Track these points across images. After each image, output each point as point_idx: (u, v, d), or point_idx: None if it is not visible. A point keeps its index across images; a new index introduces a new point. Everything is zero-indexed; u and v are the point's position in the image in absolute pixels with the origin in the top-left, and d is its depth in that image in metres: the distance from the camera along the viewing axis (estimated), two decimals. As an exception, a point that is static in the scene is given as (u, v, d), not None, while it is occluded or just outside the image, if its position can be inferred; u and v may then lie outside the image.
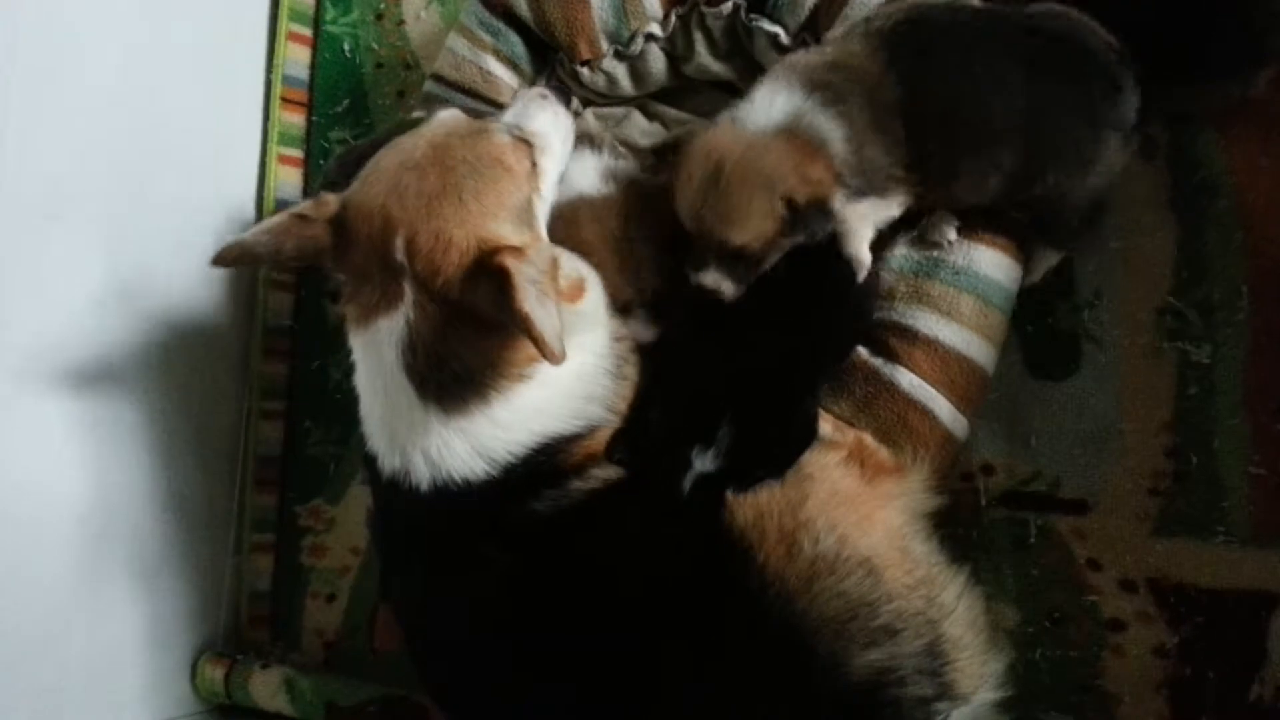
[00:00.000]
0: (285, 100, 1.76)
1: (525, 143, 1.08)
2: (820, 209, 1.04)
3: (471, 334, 0.97)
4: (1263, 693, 1.14)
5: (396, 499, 1.05)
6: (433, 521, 1.05)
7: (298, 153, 1.78)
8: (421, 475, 1.02)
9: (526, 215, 1.03)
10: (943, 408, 1.16)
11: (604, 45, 1.38)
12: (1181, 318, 1.23)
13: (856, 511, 1.01)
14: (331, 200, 1.06)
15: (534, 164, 1.07)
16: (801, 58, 1.13)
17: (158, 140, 1.55)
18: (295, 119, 1.78)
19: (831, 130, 1.04)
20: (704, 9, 1.32)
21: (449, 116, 1.10)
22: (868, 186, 1.06)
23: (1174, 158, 1.26)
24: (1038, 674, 1.22)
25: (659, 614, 0.97)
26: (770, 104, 1.07)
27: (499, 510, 1.02)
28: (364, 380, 1.08)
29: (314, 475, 1.71)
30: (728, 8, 1.30)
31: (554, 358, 0.89)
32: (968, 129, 1.06)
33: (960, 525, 1.25)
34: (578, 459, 1.05)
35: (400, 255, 0.98)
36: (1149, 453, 1.23)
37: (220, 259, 1.07)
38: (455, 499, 1.01)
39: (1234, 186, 1.23)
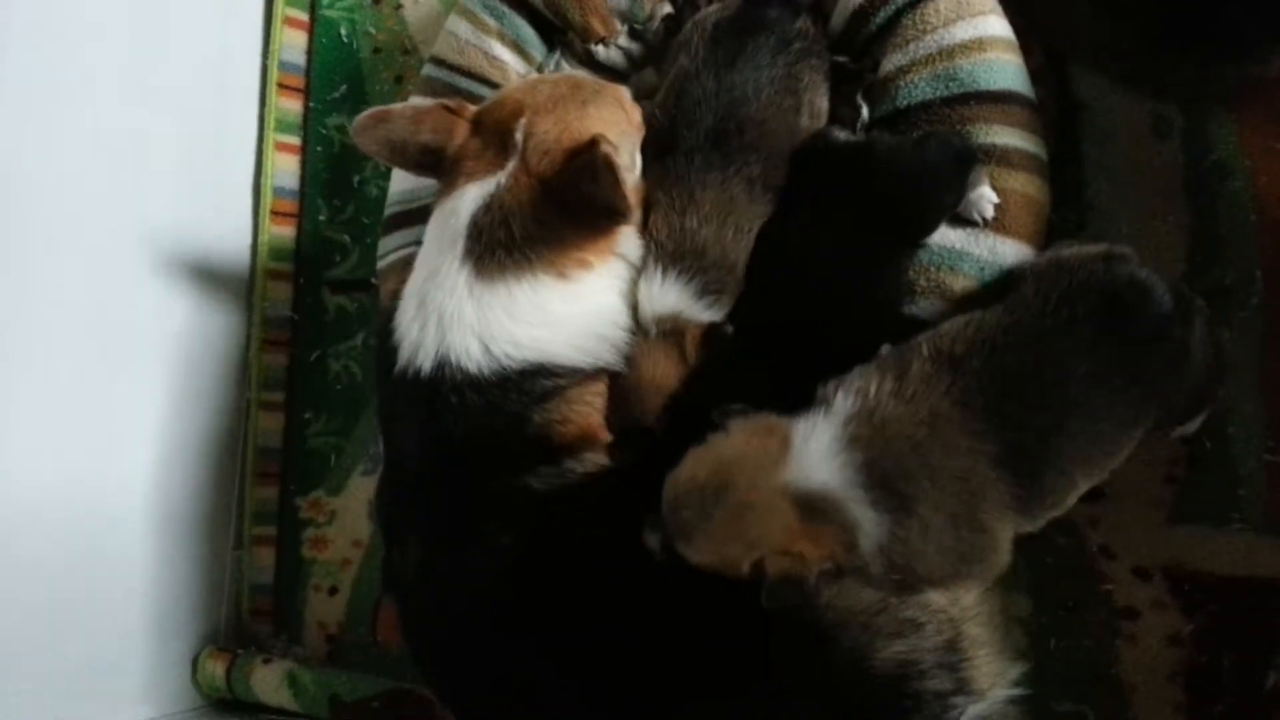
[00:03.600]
0: (282, 86, 1.74)
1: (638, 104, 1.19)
2: None
3: (548, 212, 1.04)
4: (1278, 681, 1.13)
5: (400, 395, 1.08)
6: (431, 445, 1.06)
7: (295, 139, 1.76)
8: (429, 350, 1.04)
9: (629, 150, 1.13)
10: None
11: (617, 23, 1.36)
12: (1195, 302, 1.22)
13: None
14: (471, 106, 1.16)
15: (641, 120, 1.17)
16: None
17: (153, 127, 1.53)
18: (292, 105, 1.75)
19: None
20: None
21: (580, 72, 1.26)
22: None
23: (1188, 139, 1.24)
24: (1052, 663, 1.21)
25: (682, 601, 0.96)
26: None
27: (494, 450, 1.04)
28: (422, 252, 1.13)
29: (315, 467, 1.70)
30: None
31: (628, 212, 1.04)
32: None
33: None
34: (571, 435, 1.05)
35: (519, 134, 1.06)
36: (1163, 440, 1.21)
37: (359, 127, 1.11)
38: (451, 404, 1.03)
39: (1248, 169, 1.21)
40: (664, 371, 1.08)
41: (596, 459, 1.07)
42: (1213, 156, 1.23)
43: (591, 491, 1.03)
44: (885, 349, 0.99)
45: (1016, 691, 1.00)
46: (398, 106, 1.15)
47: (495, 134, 1.09)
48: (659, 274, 1.09)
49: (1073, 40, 1.29)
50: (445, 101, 1.15)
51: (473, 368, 1.03)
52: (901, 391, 0.92)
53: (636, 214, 1.09)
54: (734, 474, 0.89)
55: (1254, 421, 1.18)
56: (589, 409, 1.08)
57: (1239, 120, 1.22)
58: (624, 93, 1.18)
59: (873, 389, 0.93)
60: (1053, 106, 1.27)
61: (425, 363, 1.05)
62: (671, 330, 1.08)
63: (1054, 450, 0.93)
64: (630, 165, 1.11)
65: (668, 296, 1.09)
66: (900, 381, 0.93)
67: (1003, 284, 1.09)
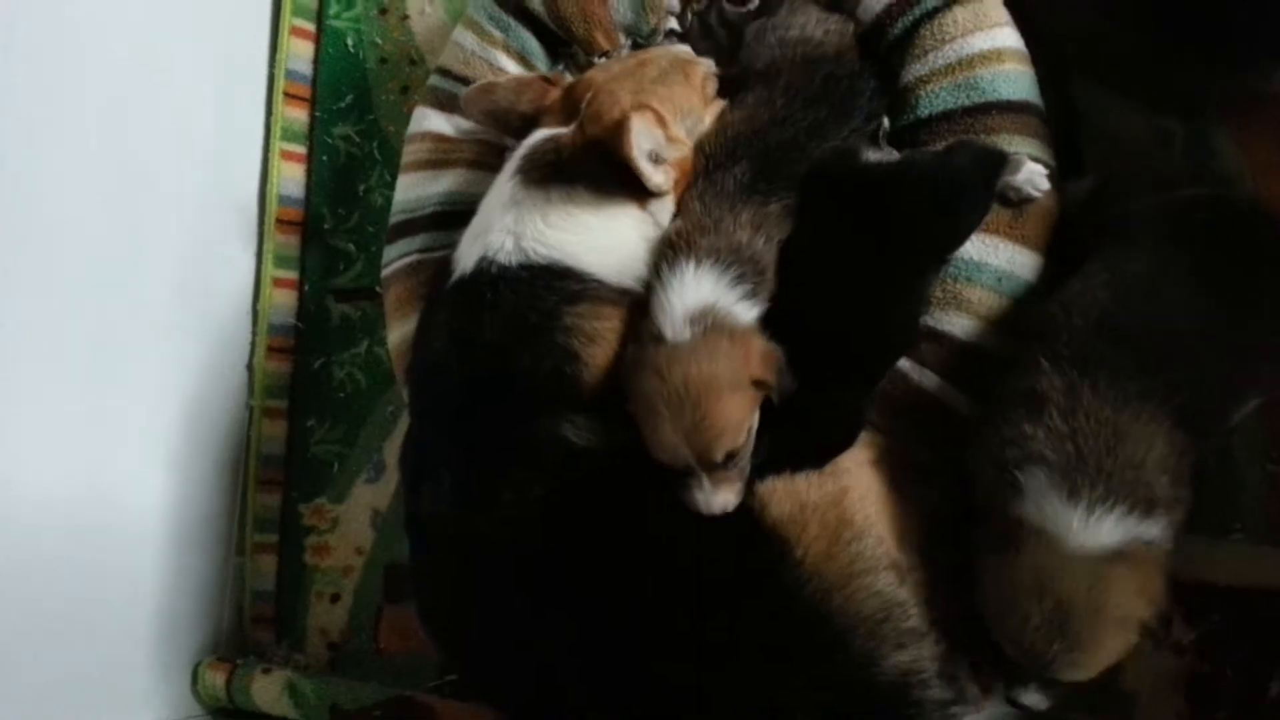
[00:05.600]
0: (288, 95, 1.75)
1: (717, 78, 1.25)
2: None
3: (595, 160, 1.12)
4: (1281, 691, 1.14)
5: (445, 305, 1.14)
6: (468, 350, 1.10)
7: (300, 148, 1.77)
8: (473, 254, 1.13)
9: (690, 124, 1.19)
10: (960, 401, 1.13)
11: (621, 36, 1.37)
12: (1197, 313, 1.22)
13: (888, 512, 1.01)
14: (567, 76, 1.32)
15: (715, 95, 1.24)
16: None
17: (160, 135, 1.54)
18: (298, 114, 1.76)
19: None
20: (726, 6, 1.32)
21: (680, 46, 1.33)
22: None
23: (1191, 150, 1.25)
24: (1055, 672, 1.21)
25: (692, 597, 0.97)
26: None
27: (527, 363, 1.06)
28: (491, 189, 1.21)
29: (317, 474, 1.70)
30: (754, 5, 1.30)
31: (643, 183, 1.09)
32: None
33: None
34: (599, 367, 1.07)
35: (584, 104, 1.16)
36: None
37: (467, 98, 1.27)
38: (486, 300, 1.09)
39: (1251, 180, 1.22)
40: (723, 368, 0.99)
41: (629, 429, 1.07)
42: (1215, 168, 1.23)
43: (621, 466, 1.03)
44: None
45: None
46: (502, 79, 1.30)
47: (572, 102, 1.19)
48: (689, 265, 1.05)
49: (1075, 53, 1.30)
50: (544, 74, 1.32)
51: (504, 259, 1.10)
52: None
53: (670, 186, 1.13)
54: None
55: (1256, 432, 1.19)
56: (615, 340, 1.09)
57: (1240, 131, 1.23)
58: (697, 69, 1.23)
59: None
60: (1054, 118, 1.27)
61: (469, 264, 1.13)
62: (713, 326, 1.02)
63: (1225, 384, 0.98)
64: (679, 138, 1.17)
65: (701, 287, 1.04)
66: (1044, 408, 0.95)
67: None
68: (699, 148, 1.17)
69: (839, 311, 1.08)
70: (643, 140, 1.07)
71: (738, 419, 0.97)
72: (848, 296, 1.08)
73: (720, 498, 0.98)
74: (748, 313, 1.06)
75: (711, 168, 1.15)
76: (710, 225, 1.09)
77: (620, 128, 1.06)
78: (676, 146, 1.14)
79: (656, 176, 1.10)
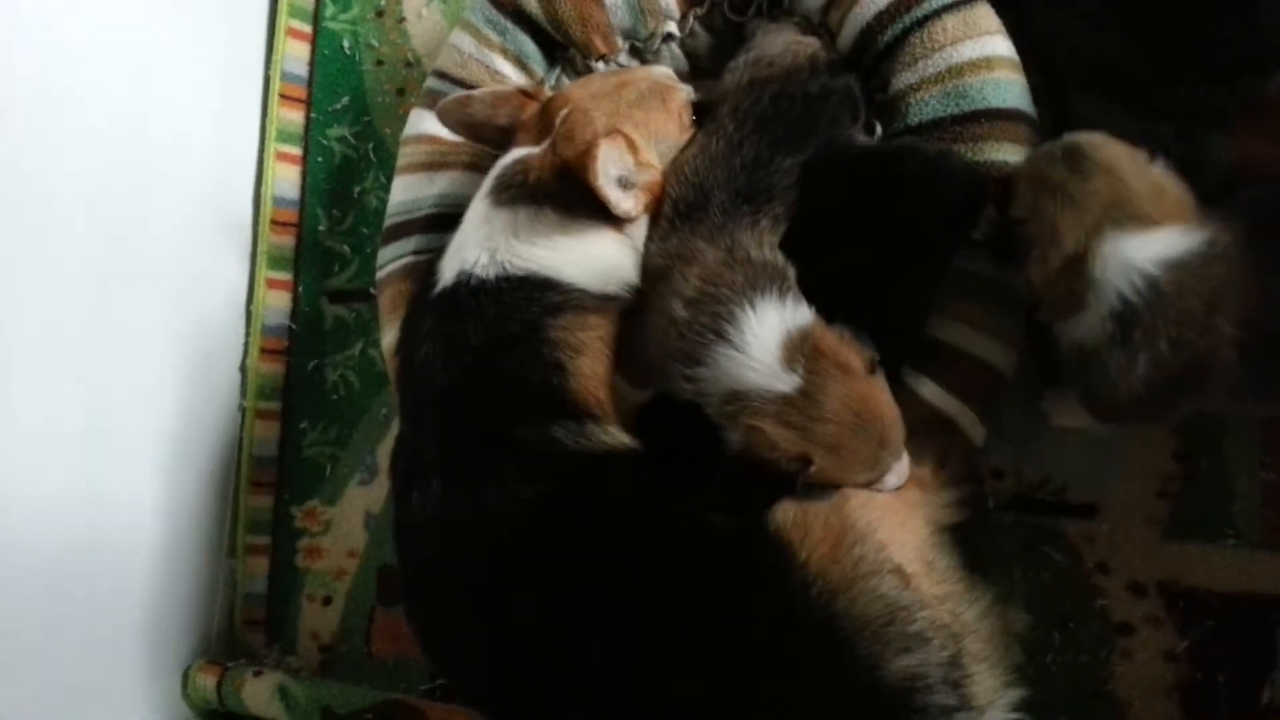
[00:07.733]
0: (284, 97, 1.75)
1: (699, 106, 1.25)
2: None
3: (565, 184, 1.12)
4: (1274, 697, 1.15)
5: (428, 315, 1.15)
6: (453, 357, 1.11)
7: (296, 150, 1.76)
8: (452, 269, 1.15)
9: (664, 150, 1.20)
10: (966, 416, 1.14)
11: (619, 40, 1.38)
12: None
13: (890, 518, 1.01)
14: (546, 91, 1.31)
15: (694, 122, 1.23)
16: None
17: (155, 136, 1.53)
18: (294, 116, 1.76)
19: None
20: (727, 13, 1.33)
21: (661, 69, 1.32)
22: None
23: (1185, 157, 1.25)
24: (1049, 679, 1.22)
25: (692, 600, 0.97)
26: None
27: (512, 369, 1.08)
28: (470, 206, 1.23)
29: (310, 476, 1.69)
30: (752, 11, 1.30)
31: (618, 210, 1.10)
32: None
33: (971, 530, 1.23)
34: (586, 376, 1.08)
35: (558, 121, 1.17)
36: (1157, 456, 1.23)
37: (443, 109, 1.26)
38: (469, 310, 1.11)
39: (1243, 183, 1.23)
40: (852, 379, 0.99)
41: (619, 435, 1.08)
42: (1210, 175, 1.24)
43: (615, 469, 1.04)
44: None
45: (1014, 708, 1.00)
46: (479, 91, 1.29)
47: (547, 118, 1.20)
48: (747, 312, 1.02)
49: (1070, 60, 1.31)
50: (524, 87, 1.29)
51: (480, 272, 1.12)
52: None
53: (639, 210, 1.14)
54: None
55: (1249, 438, 1.20)
56: (601, 348, 1.11)
57: (1236, 138, 1.23)
58: (676, 95, 1.23)
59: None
60: (1050, 126, 1.28)
61: (449, 277, 1.15)
62: (808, 355, 0.99)
63: None
64: (651, 163, 1.18)
65: (766, 322, 1.02)
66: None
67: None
68: (667, 194, 1.16)
69: (848, 293, 1.07)
70: (610, 167, 1.09)
71: (892, 401, 1.02)
72: (857, 276, 1.09)
73: (906, 462, 1.04)
74: (806, 315, 1.04)
75: (685, 210, 1.14)
76: (741, 258, 1.08)
77: (588, 155, 1.07)
78: (646, 170, 1.15)
79: (625, 203, 1.11)
